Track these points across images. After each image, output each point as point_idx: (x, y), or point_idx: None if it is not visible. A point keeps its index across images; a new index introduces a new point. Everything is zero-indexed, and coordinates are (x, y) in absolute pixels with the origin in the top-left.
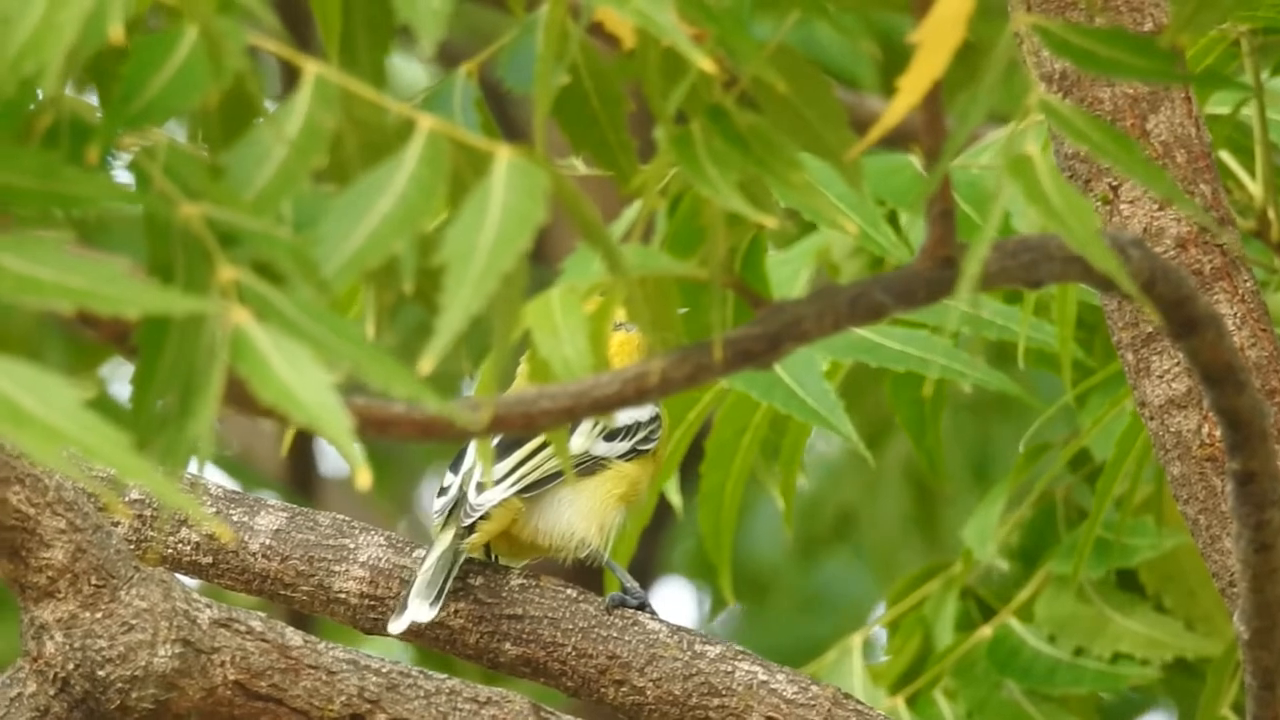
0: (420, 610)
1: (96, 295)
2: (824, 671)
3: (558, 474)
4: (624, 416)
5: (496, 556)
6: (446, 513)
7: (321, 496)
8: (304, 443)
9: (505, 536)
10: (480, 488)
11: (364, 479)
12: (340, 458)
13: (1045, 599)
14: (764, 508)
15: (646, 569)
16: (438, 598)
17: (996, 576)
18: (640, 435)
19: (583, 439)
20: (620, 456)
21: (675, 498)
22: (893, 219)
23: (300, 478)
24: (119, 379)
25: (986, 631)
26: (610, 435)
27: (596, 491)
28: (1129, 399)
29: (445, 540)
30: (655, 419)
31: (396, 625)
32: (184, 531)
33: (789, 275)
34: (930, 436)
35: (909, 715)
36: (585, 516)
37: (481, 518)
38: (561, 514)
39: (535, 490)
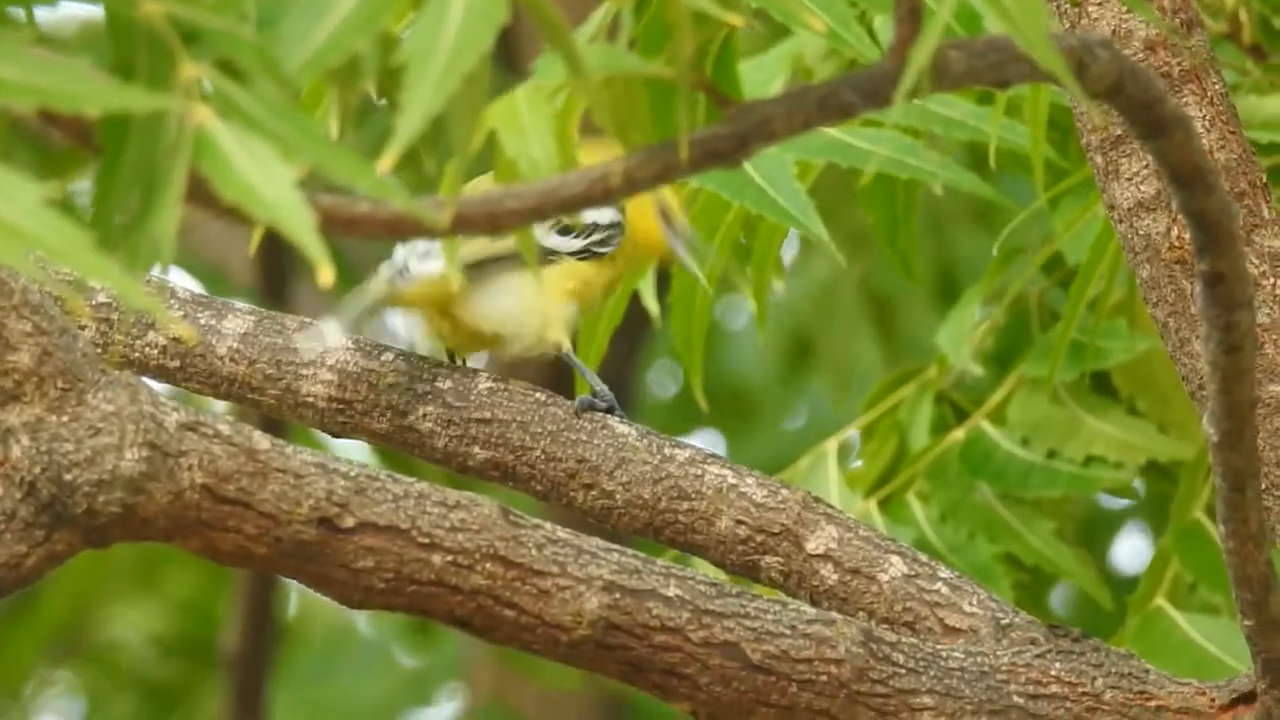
0: (331, 331)
1: (58, 94)
2: (798, 477)
3: (503, 258)
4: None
5: (454, 354)
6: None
7: (295, 309)
8: (275, 256)
9: (449, 320)
10: (425, 257)
11: (326, 275)
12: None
13: (1018, 402)
14: (744, 336)
15: (624, 377)
16: (350, 328)
17: (970, 381)
18: (596, 237)
19: (535, 231)
20: (573, 254)
21: (651, 303)
22: (863, 19)
23: (273, 289)
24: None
25: (959, 435)
26: (564, 231)
27: (543, 282)
28: (1100, 203)
29: (375, 292)
30: (615, 225)
31: (303, 341)
32: (151, 335)
33: (763, 80)
34: (903, 237)
35: (881, 518)
36: (530, 305)
37: (411, 278)
38: (504, 299)
39: (478, 271)
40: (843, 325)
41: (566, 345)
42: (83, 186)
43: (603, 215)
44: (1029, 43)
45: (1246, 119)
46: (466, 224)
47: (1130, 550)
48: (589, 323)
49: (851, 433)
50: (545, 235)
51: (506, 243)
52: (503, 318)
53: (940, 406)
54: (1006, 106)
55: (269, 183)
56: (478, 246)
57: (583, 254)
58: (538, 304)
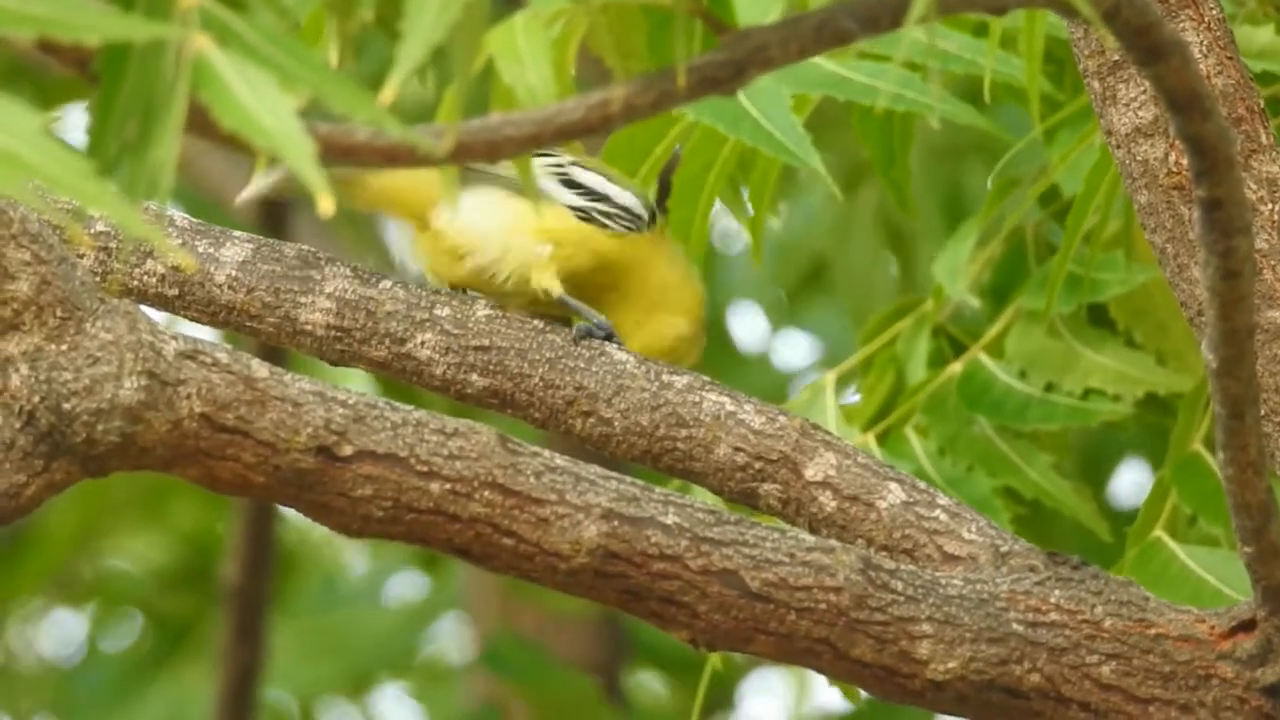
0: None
1: (57, 22)
2: (796, 410)
3: (482, 171)
4: (595, 182)
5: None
6: None
7: (293, 238)
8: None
9: (425, 230)
10: None
11: (326, 204)
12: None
13: (1016, 335)
14: (743, 266)
15: None
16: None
17: (968, 313)
18: (605, 207)
19: (536, 169)
20: (569, 206)
21: None
22: None
23: (273, 222)
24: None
25: (957, 368)
26: (567, 183)
27: (520, 213)
28: (1098, 133)
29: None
30: (631, 212)
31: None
32: (149, 264)
33: (760, 10)
34: (899, 168)
35: (880, 452)
36: (500, 228)
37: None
38: (477, 215)
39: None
40: (859, 255)
41: (558, 290)
42: (77, 116)
43: (620, 194)
44: None
45: (1242, 49)
46: (465, 152)
47: (1129, 483)
48: None
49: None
50: (543, 177)
51: (500, 167)
52: (476, 235)
53: (938, 339)
54: (1001, 39)
55: (268, 111)
56: None
57: (580, 212)
58: (508, 232)
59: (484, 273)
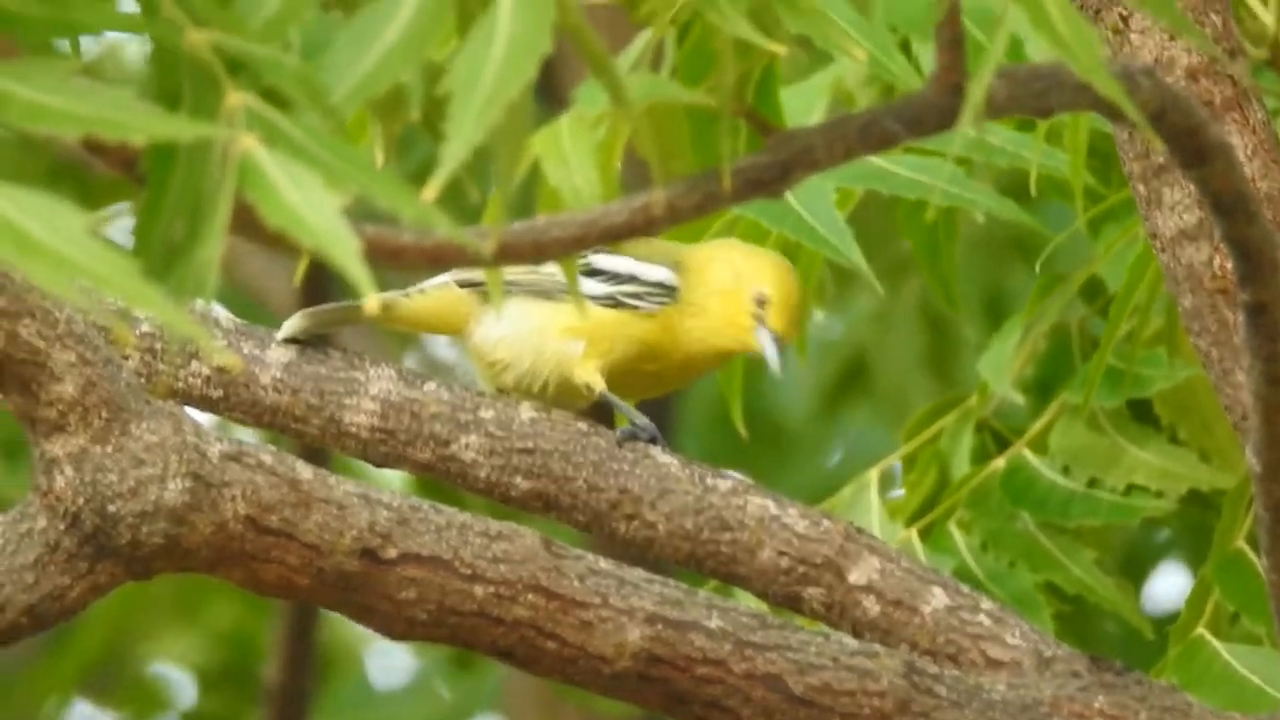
0: (290, 324)
1: (104, 121)
2: (840, 507)
3: (512, 283)
4: (620, 265)
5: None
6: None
7: (331, 337)
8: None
9: (466, 343)
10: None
11: (372, 304)
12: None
13: (1059, 430)
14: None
15: (665, 416)
16: (311, 321)
17: (1011, 409)
18: (630, 288)
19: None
20: (594, 298)
21: None
22: (904, 47)
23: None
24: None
25: (1001, 463)
26: (589, 273)
27: (546, 316)
28: (1141, 226)
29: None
30: (662, 286)
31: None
32: (194, 365)
33: (804, 107)
34: (944, 263)
35: (923, 548)
36: (529, 335)
37: (420, 291)
38: (504, 325)
39: (480, 288)
40: (898, 353)
41: (600, 385)
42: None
43: (649, 271)
44: (1084, 70)
45: None
46: (511, 253)
47: (1167, 584)
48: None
49: (894, 463)
50: (597, 286)
51: (522, 271)
52: (508, 346)
53: (981, 435)
54: (1046, 133)
55: (314, 210)
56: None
57: (607, 300)
58: (540, 330)
59: (525, 381)
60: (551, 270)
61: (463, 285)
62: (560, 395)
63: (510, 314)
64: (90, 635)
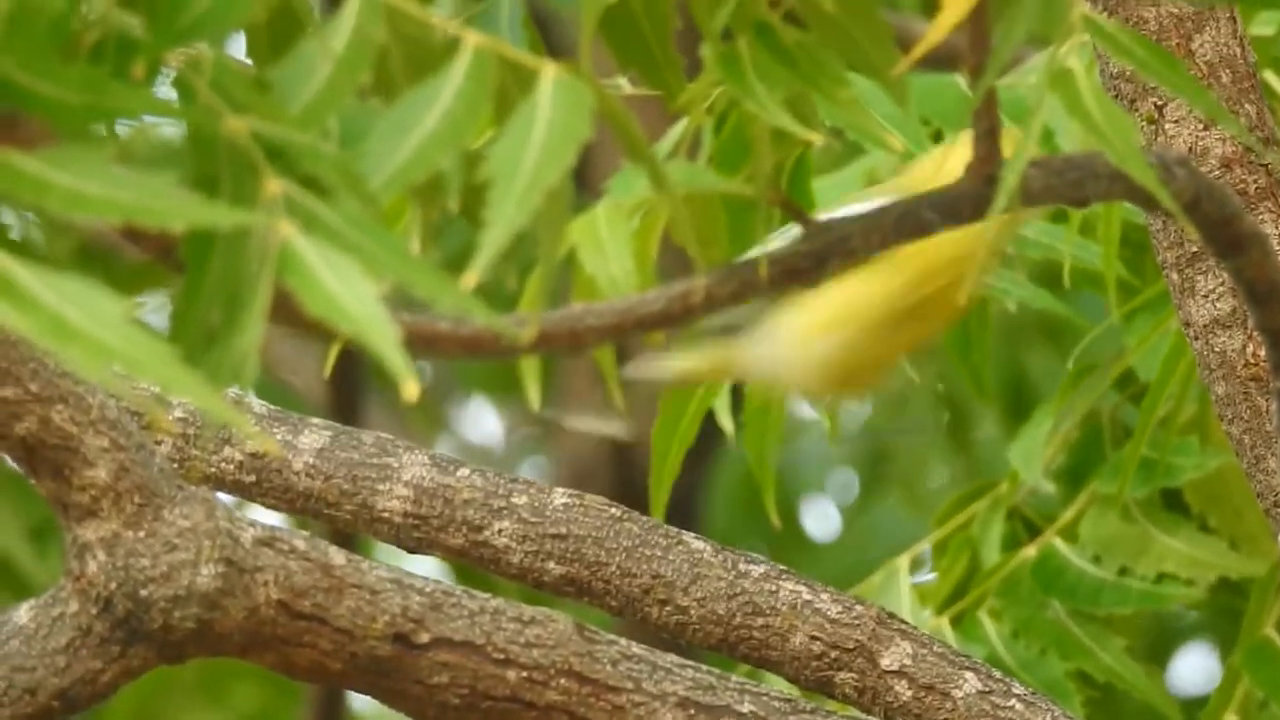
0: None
1: (143, 209)
2: (870, 592)
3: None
4: None
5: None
6: None
7: (366, 425)
8: (346, 374)
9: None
10: None
11: (410, 391)
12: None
13: (1090, 519)
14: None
15: (692, 498)
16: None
17: (1042, 497)
18: None
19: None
20: None
21: (727, 422)
22: (938, 139)
23: (343, 408)
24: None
25: (1031, 551)
26: None
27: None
28: (1174, 318)
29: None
30: None
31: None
32: (227, 450)
33: (837, 196)
34: (976, 353)
35: (953, 635)
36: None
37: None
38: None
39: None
40: (917, 437)
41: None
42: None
43: None
44: (1122, 159)
45: None
46: (548, 341)
47: (1191, 665)
48: (661, 442)
49: (923, 549)
50: None
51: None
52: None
53: (1012, 523)
54: (1079, 225)
55: (353, 297)
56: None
57: None
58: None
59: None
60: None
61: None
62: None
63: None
64: (117, 717)
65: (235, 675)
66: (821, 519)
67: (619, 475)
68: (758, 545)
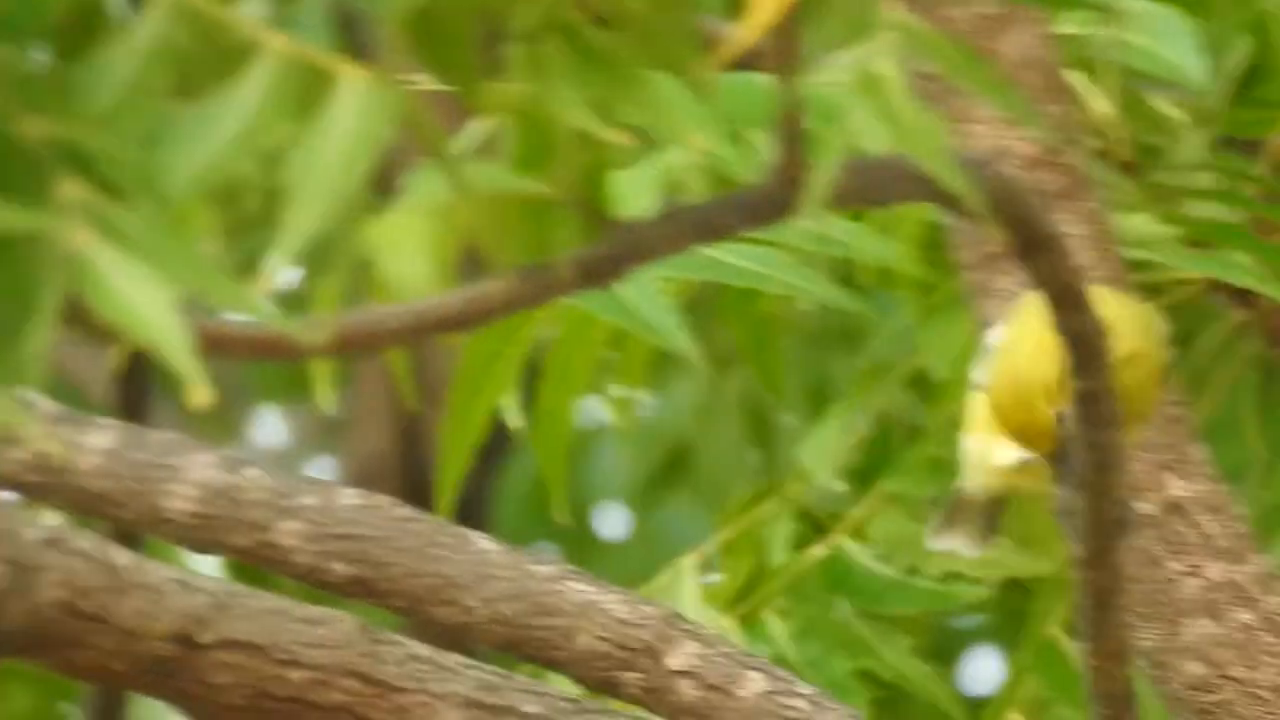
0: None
1: None
2: (657, 593)
3: None
4: None
5: None
6: None
7: (155, 426)
8: (134, 376)
9: None
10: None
11: (202, 396)
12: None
13: (879, 518)
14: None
15: (481, 498)
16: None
17: (831, 496)
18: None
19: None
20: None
21: (515, 419)
22: (741, 138)
23: (130, 410)
24: None
25: (819, 551)
26: None
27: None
28: (968, 319)
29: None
30: None
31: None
32: (13, 451)
33: (634, 194)
34: (769, 355)
35: (740, 634)
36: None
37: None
38: None
39: None
40: (723, 440)
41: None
42: None
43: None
44: (930, 162)
45: (1120, 238)
46: (345, 344)
47: (978, 667)
48: (449, 440)
49: (712, 549)
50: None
51: None
52: None
53: (800, 522)
54: (877, 223)
55: (146, 302)
56: None
57: None
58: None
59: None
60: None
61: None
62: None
63: None
64: None
65: (6, 676)
66: (616, 523)
67: (408, 476)
68: (549, 547)
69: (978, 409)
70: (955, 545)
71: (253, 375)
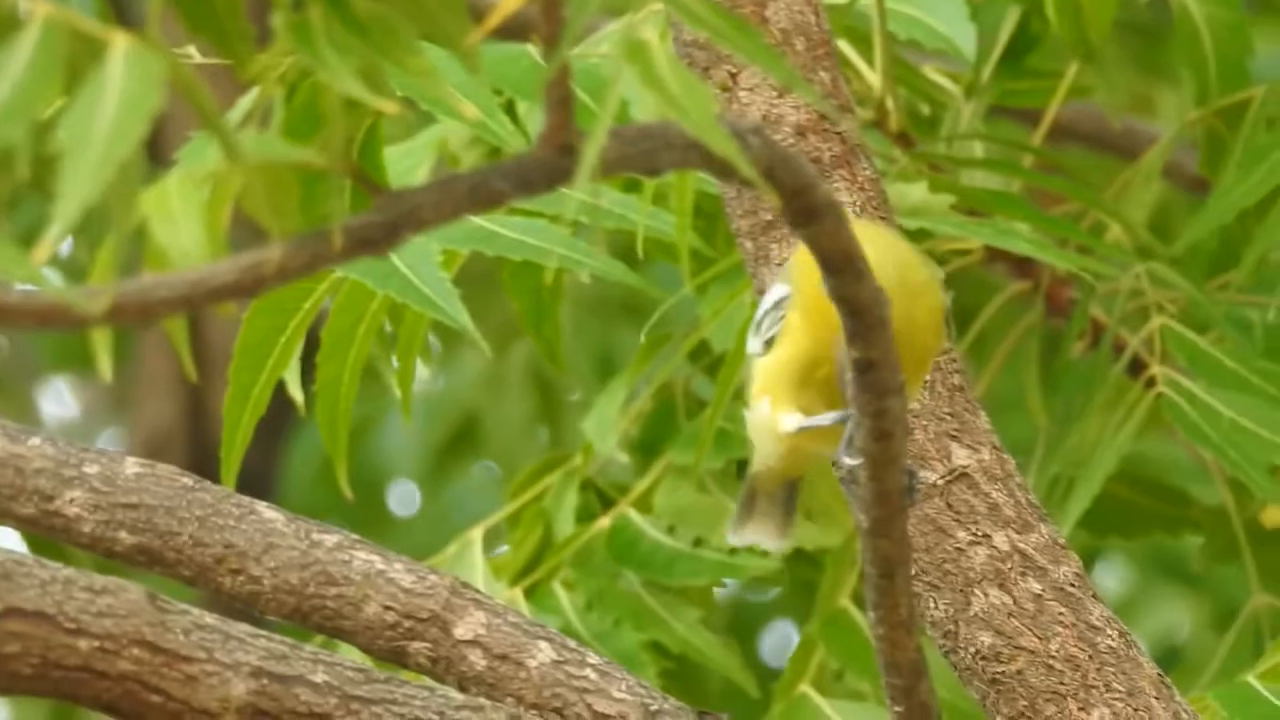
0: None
1: None
2: (445, 565)
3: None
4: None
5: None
6: None
7: None
8: None
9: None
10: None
11: None
12: None
13: (664, 490)
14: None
15: (267, 472)
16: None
17: (617, 468)
18: (767, 325)
19: (751, 340)
20: (757, 355)
21: (297, 392)
22: (510, 110)
23: None
24: None
25: (605, 522)
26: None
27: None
28: (749, 290)
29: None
30: (777, 302)
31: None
32: None
33: (409, 167)
34: (548, 326)
35: (527, 606)
36: (749, 414)
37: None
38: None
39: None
40: (511, 413)
41: (791, 425)
42: None
43: (767, 299)
44: (698, 128)
45: (893, 206)
46: (120, 313)
47: (778, 641)
48: (232, 413)
49: (499, 522)
50: (751, 338)
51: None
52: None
53: (586, 494)
54: (653, 194)
55: None
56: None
57: (764, 349)
58: (748, 421)
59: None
60: (749, 349)
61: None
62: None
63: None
64: None
65: None
66: (408, 500)
67: (194, 450)
68: (339, 524)
69: (761, 376)
70: (756, 538)
71: (43, 347)
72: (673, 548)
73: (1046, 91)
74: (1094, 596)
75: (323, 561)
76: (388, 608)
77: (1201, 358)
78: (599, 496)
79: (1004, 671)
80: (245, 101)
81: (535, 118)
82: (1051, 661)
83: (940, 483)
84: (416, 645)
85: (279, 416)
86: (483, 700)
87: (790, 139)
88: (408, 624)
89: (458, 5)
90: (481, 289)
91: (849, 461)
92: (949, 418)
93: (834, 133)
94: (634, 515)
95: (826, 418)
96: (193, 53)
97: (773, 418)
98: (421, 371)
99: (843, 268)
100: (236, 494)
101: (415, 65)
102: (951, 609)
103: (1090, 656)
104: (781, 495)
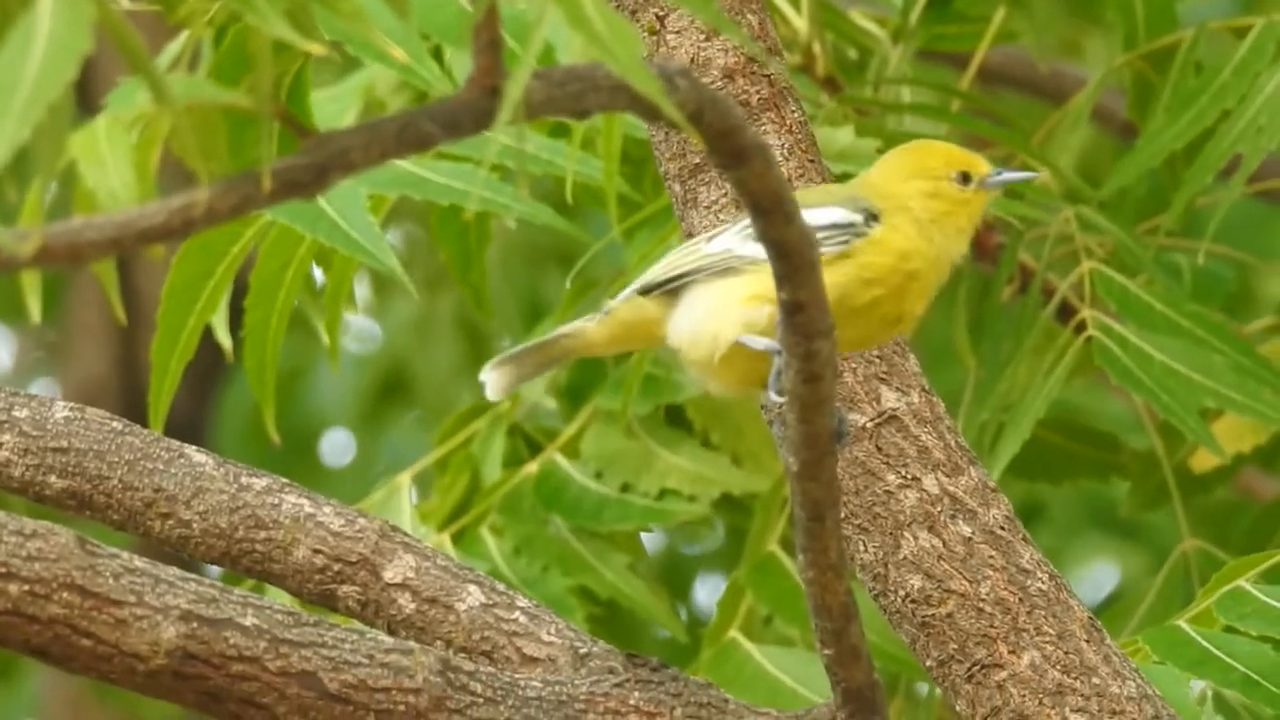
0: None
1: None
2: (373, 509)
3: (689, 273)
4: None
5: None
6: None
7: None
8: None
9: (654, 341)
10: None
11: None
12: None
13: (592, 435)
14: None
15: (200, 424)
16: (506, 362)
17: (545, 414)
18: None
19: (728, 238)
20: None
21: (224, 337)
22: (437, 55)
23: None
24: None
25: (533, 468)
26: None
27: (725, 289)
28: (676, 234)
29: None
30: (849, 224)
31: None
32: None
33: (337, 111)
34: (475, 270)
35: (455, 552)
36: (711, 313)
37: (606, 313)
38: (688, 312)
39: (662, 289)
40: (439, 359)
41: (736, 336)
42: None
43: (826, 214)
44: (624, 69)
45: (823, 150)
46: (48, 255)
47: (713, 594)
48: (160, 357)
49: (428, 467)
50: (741, 244)
51: (694, 258)
52: (687, 329)
53: (514, 439)
54: (581, 140)
55: None
56: (667, 266)
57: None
58: (720, 311)
59: (706, 354)
60: (739, 250)
61: (646, 292)
62: (747, 372)
63: (695, 298)
64: None
65: None
66: (341, 450)
67: (126, 399)
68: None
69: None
70: (494, 381)
71: None
72: (600, 493)
73: (974, 36)
74: (1024, 539)
75: (251, 505)
76: (317, 551)
77: (1131, 302)
78: (526, 442)
79: (934, 615)
80: (174, 45)
81: (463, 64)
82: (982, 605)
83: (869, 425)
84: (346, 589)
85: (212, 369)
86: (412, 644)
87: (718, 82)
88: (337, 567)
89: None
90: (413, 235)
91: (776, 398)
92: (878, 360)
93: (762, 76)
94: (561, 461)
95: (760, 341)
96: None
97: (731, 325)
98: (359, 323)
99: (771, 210)
100: (166, 438)
101: (344, 8)
102: (881, 552)
103: (1020, 600)
104: (549, 371)
